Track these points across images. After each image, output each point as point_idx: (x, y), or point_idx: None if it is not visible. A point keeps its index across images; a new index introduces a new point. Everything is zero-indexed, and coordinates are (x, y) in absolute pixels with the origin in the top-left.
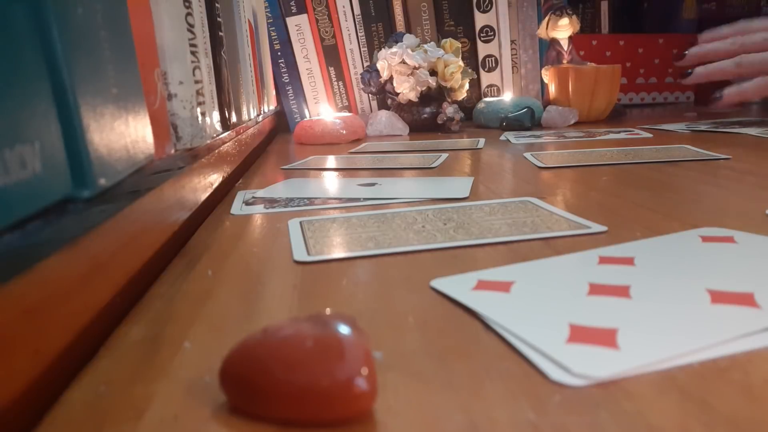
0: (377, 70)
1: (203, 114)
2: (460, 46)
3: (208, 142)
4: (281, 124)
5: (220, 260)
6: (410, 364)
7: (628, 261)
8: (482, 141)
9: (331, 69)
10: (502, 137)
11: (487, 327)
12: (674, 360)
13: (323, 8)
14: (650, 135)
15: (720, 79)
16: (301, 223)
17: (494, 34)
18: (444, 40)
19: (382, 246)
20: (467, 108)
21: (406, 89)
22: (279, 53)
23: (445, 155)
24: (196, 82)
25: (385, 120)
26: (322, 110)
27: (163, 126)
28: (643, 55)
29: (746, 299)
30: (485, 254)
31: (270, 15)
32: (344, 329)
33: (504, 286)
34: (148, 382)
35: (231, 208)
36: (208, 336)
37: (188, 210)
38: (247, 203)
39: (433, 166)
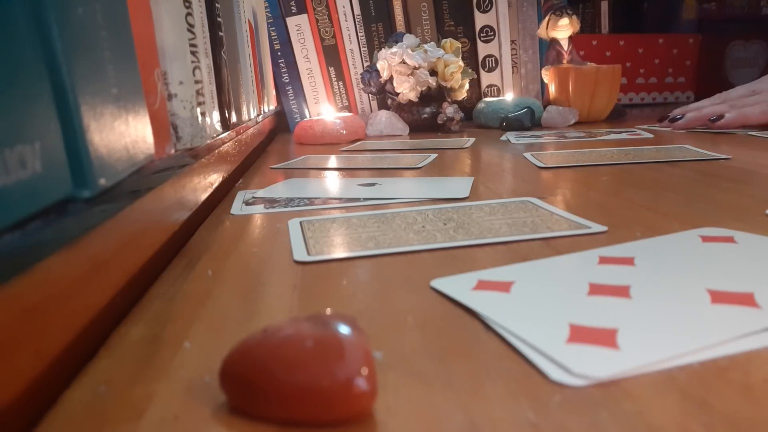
0: (377, 70)
1: (203, 114)
2: (460, 46)
3: (208, 142)
4: (281, 124)
5: (220, 260)
6: (410, 364)
7: (628, 261)
8: (471, 140)
9: (331, 69)
10: (503, 137)
11: (487, 327)
12: (674, 360)
13: (323, 8)
14: (651, 135)
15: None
16: (301, 223)
17: (494, 34)
18: (444, 40)
19: (382, 246)
20: (467, 108)
21: (406, 89)
22: (279, 53)
23: (433, 155)
24: (196, 82)
25: (385, 120)
26: (323, 110)
27: (163, 126)
28: (643, 55)
29: (746, 299)
30: (485, 254)
31: (270, 15)
32: (344, 329)
33: (504, 286)
34: (148, 382)
35: (231, 208)
36: (208, 336)
37: (188, 210)
38: (247, 203)
39: (419, 166)
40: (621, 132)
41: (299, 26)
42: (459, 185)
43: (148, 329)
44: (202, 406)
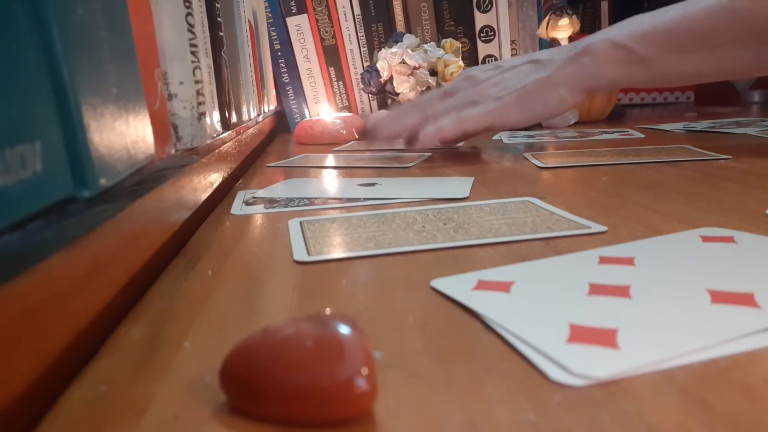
0: (377, 70)
1: (203, 114)
2: (460, 46)
3: (209, 142)
4: (281, 124)
5: (220, 260)
6: (410, 364)
7: (628, 261)
8: (463, 142)
9: (331, 69)
10: (495, 137)
11: (487, 327)
12: (674, 360)
13: (323, 8)
14: (642, 135)
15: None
16: (301, 223)
17: (494, 34)
18: (444, 40)
19: (382, 246)
20: None
21: (406, 89)
22: (279, 53)
23: (427, 155)
24: (196, 82)
25: None
26: (322, 110)
27: (164, 126)
28: None
29: (746, 299)
30: (485, 254)
31: (270, 15)
32: (344, 329)
33: (504, 286)
34: (148, 382)
35: (231, 208)
36: (208, 336)
37: (188, 210)
38: (247, 203)
39: (408, 165)
40: (613, 132)
41: (299, 26)
42: (459, 185)
43: (148, 329)
44: (202, 406)
